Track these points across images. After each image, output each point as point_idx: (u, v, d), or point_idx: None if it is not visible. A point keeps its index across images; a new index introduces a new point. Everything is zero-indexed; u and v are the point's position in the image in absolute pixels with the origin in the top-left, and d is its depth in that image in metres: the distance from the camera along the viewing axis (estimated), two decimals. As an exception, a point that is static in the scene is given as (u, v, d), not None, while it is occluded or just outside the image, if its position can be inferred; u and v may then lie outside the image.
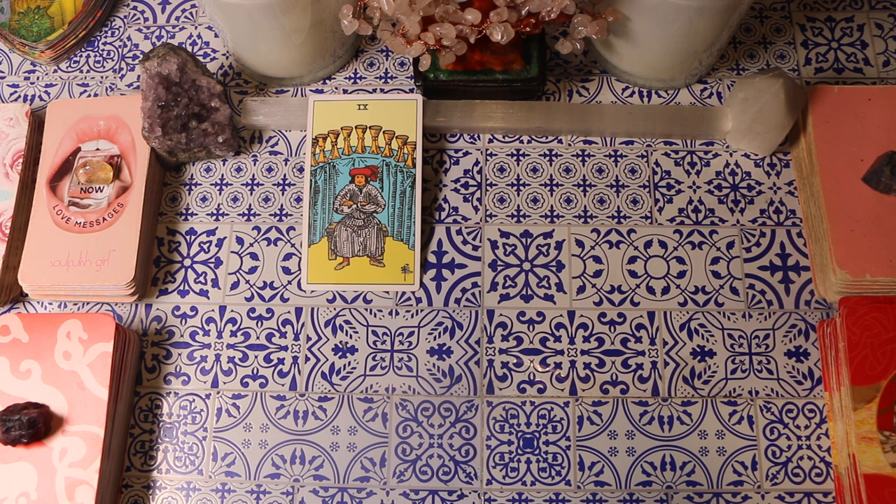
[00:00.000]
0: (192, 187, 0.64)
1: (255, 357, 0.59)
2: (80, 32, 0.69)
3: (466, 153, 0.64)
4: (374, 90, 0.66)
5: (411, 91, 0.66)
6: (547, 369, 0.57)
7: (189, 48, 0.69)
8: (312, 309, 0.60)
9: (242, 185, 0.64)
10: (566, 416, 0.56)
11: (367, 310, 0.60)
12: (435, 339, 0.59)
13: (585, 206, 0.62)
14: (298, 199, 0.63)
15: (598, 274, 0.60)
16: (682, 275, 0.60)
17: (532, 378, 0.57)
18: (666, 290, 0.59)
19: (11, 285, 0.60)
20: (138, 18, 0.71)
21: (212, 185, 0.64)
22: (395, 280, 0.59)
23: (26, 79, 0.69)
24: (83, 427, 0.54)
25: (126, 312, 0.61)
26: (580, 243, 0.61)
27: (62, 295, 0.60)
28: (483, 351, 0.58)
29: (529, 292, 0.59)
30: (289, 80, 0.66)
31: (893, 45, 0.67)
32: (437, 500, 0.55)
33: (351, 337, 0.59)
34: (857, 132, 0.60)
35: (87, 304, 0.61)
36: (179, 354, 0.59)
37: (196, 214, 0.63)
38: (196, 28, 0.70)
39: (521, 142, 0.64)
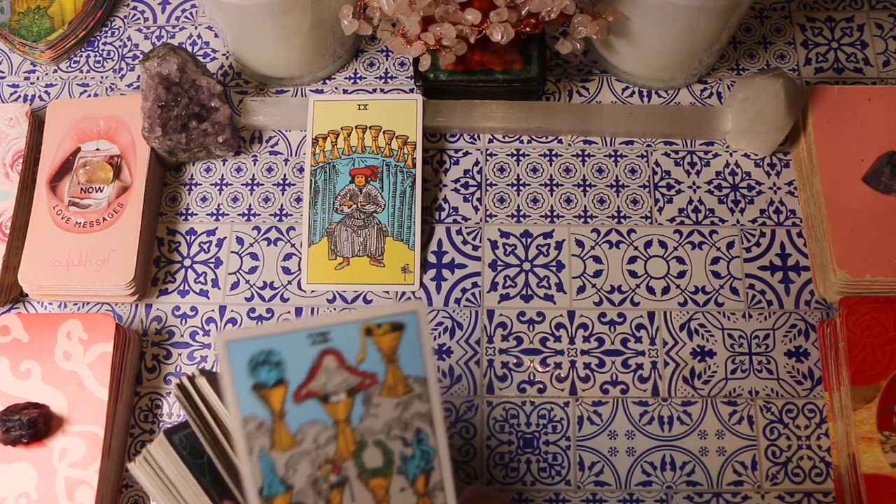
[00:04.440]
0: (192, 187, 0.64)
1: (255, 357, 0.59)
2: (80, 32, 0.69)
3: (466, 153, 0.64)
4: (374, 90, 0.66)
5: (411, 91, 0.66)
6: (547, 369, 0.57)
7: (189, 48, 0.69)
8: (312, 309, 0.60)
9: (242, 185, 0.64)
10: (566, 416, 0.56)
11: (367, 310, 0.60)
12: (435, 339, 0.59)
13: (585, 206, 0.62)
14: (298, 199, 0.63)
15: (598, 274, 0.60)
16: (682, 275, 0.60)
17: (532, 378, 0.57)
18: (666, 290, 0.59)
19: (11, 285, 0.60)
20: (138, 18, 0.71)
21: (212, 185, 0.64)
22: (395, 280, 0.59)
23: (26, 79, 0.69)
24: (83, 427, 0.54)
25: (126, 312, 0.61)
26: (580, 243, 0.61)
27: (62, 295, 0.60)
28: (483, 351, 0.58)
29: (529, 292, 0.59)
30: (289, 80, 0.66)
31: (893, 45, 0.67)
32: (437, 500, 0.55)
33: (351, 337, 0.59)
34: (857, 132, 0.60)
35: (87, 304, 0.61)
36: (179, 354, 0.59)
37: (196, 214, 0.63)
38: (196, 28, 0.70)
39: (521, 142, 0.64)
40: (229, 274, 0.61)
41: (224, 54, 0.69)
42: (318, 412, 0.31)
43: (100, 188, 0.61)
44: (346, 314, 0.32)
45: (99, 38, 0.70)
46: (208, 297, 0.61)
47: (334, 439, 0.32)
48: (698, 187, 0.62)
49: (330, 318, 0.31)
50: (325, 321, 0.31)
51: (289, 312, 0.60)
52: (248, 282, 0.61)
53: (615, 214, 0.61)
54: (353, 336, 0.31)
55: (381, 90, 0.66)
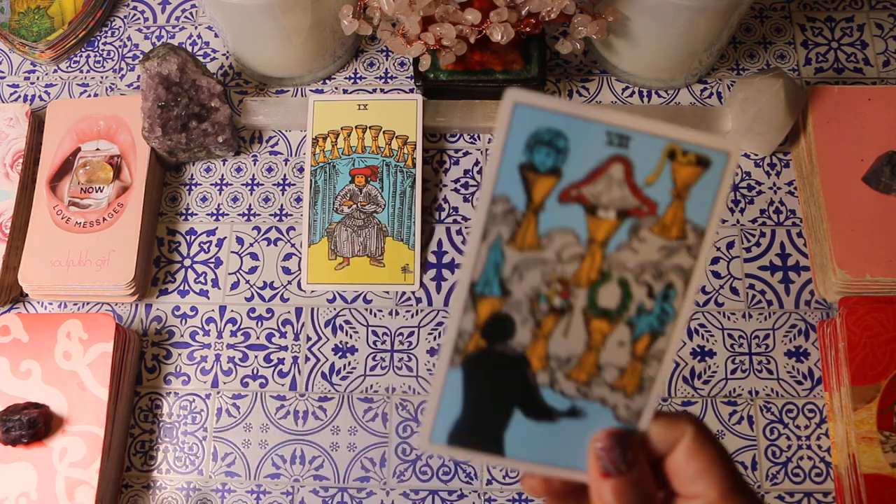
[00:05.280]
0: (192, 187, 0.64)
1: (255, 357, 0.59)
2: (80, 32, 0.69)
3: (466, 153, 0.64)
4: (374, 90, 0.66)
5: (411, 91, 0.66)
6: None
7: (189, 48, 0.69)
8: (312, 309, 0.60)
9: (242, 185, 0.64)
10: (566, 416, 0.56)
11: (367, 310, 0.60)
12: (435, 339, 0.59)
13: (585, 206, 0.62)
14: (298, 199, 0.63)
15: (598, 274, 0.60)
16: (682, 275, 0.59)
17: (532, 378, 0.57)
18: (666, 290, 0.59)
19: (11, 285, 0.60)
20: (138, 18, 0.71)
21: (212, 185, 0.64)
22: (395, 280, 0.59)
23: (26, 79, 0.69)
24: (83, 427, 0.54)
25: (126, 312, 0.61)
26: (580, 243, 0.61)
27: (62, 295, 0.60)
28: (483, 351, 0.58)
29: (529, 292, 0.59)
30: (289, 80, 0.66)
31: (893, 45, 0.67)
32: (437, 500, 0.55)
33: (351, 337, 0.59)
34: (857, 132, 0.60)
35: (87, 304, 0.61)
36: (179, 354, 0.59)
37: (196, 214, 0.63)
38: (196, 28, 0.70)
39: (521, 142, 0.64)
40: (229, 274, 0.61)
41: (224, 54, 0.69)
42: (577, 221, 0.27)
43: (100, 188, 0.61)
44: (654, 124, 0.27)
45: (99, 38, 0.70)
46: (208, 297, 0.60)
47: (579, 259, 0.27)
48: (698, 187, 0.62)
49: (637, 121, 0.26)
50: (632, 123, 0.26)
51: (289, 312, 0.60)
52: (248, 282, 0.61)
53: (615, 214, 0.61)
54: (653, 152, 0.26)
55: (381, 90, 0.66)
